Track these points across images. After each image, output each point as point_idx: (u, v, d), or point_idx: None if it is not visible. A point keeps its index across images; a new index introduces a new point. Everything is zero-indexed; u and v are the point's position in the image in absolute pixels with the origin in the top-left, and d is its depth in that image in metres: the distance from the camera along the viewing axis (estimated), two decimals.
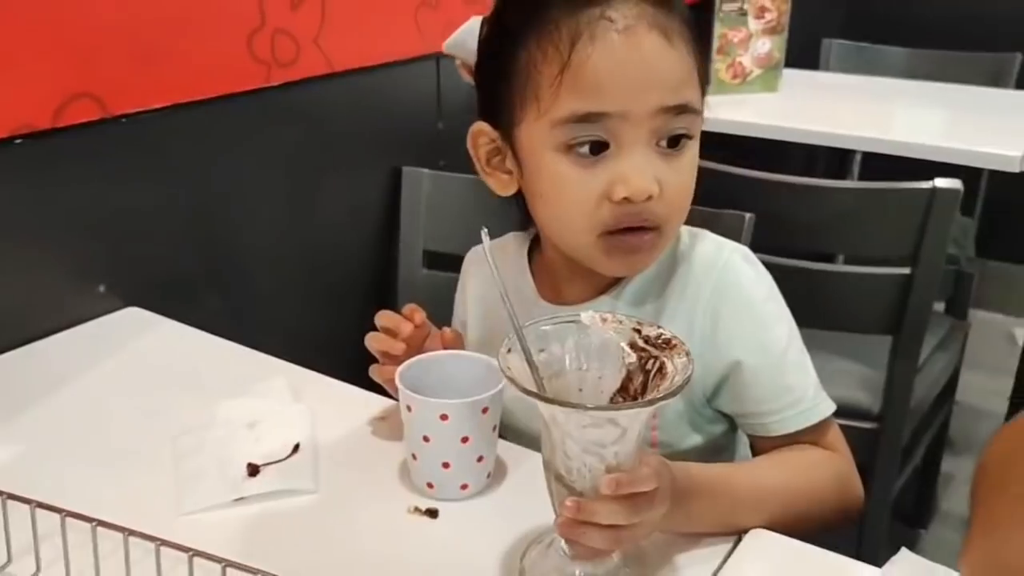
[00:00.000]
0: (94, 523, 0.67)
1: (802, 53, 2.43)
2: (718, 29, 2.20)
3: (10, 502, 0.71)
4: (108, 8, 1.10)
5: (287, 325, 1.43)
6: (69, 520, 0.68)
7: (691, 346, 0.67)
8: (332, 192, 1.48)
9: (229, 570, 0.64)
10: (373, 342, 0.90)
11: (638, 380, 0.67)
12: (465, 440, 0.79)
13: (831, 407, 0.87)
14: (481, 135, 0.87)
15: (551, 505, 0.70)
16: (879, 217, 1.46)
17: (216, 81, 1.25)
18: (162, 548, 0.66)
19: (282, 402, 0.95)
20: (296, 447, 0.86)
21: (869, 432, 1.54)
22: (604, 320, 0.70)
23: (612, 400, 0.69)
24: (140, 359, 1.08)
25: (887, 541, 1.60)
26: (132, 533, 0.67)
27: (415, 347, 0.90)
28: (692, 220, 0.91)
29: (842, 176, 2.49)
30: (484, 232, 0.71)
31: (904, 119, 2.19)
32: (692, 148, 0.82)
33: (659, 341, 0.67)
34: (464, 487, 0.81)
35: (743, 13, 2.20)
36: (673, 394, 0.62)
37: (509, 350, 0.67)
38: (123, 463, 0.87)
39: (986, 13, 2.81)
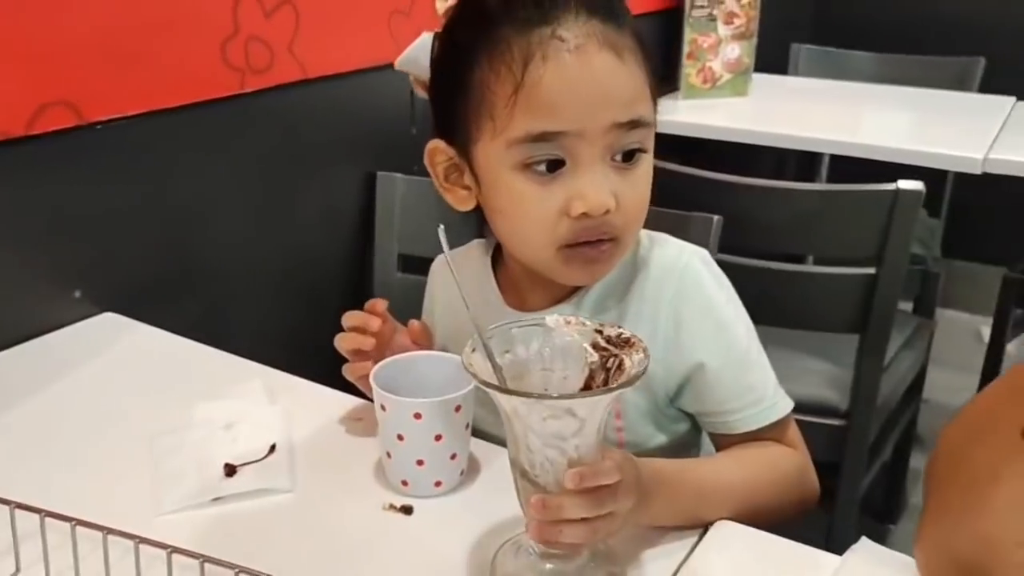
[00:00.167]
0: (73, 523, 0.68)
1: (771, 58, 2.45)
2: (688, 34, 2.22)
3: None
4: (83, 16, 1.11)
5: (263, 329, 1.44)
6: (49, 520, 0.69)
7: (654, 349, 0.68)
8: (307, 197, 1.49)
9: (207, 566, 0.65)
10: (343, 342, 0.91)
11: (600, 378, 0.70)
12: (439, 438, 0.81)
13: (790, 404, 0.89)
14: (438, 152, 0.87)
15: (519, 504, 0.71)
16: (844, 218, 1.48)
17: (191, 88, 1.26)
18: (141, 546, 0.67)
19: (258, 404, 0.96)
20: (272, 447, 0.88)
21: (837, 429, 1.57)
22: (568, 323, 0.72)
23: None
24: (117, 364, 1.09)
25: (856, 536, 1.62)
26: (111, 532, 0.68)
27: (384, 342, 0.91)
28: (662, 223, 0.93)
29: (811, 178, 2.52)
30: (440, 229, 0.72)
31: (871, 122, 2.23)
32: (646, 160, 0.83)
33: (619, 340, 0.70)
34: (438, 484, 0.83)
35: (712, 19, 2.23)
36: (627, 384, 0.65)
37: (474, 350, 0.69)
38: (101, 465, 0.88)
39: (950, 19, 2.86)
